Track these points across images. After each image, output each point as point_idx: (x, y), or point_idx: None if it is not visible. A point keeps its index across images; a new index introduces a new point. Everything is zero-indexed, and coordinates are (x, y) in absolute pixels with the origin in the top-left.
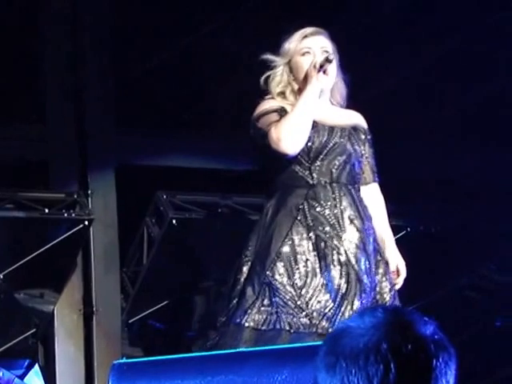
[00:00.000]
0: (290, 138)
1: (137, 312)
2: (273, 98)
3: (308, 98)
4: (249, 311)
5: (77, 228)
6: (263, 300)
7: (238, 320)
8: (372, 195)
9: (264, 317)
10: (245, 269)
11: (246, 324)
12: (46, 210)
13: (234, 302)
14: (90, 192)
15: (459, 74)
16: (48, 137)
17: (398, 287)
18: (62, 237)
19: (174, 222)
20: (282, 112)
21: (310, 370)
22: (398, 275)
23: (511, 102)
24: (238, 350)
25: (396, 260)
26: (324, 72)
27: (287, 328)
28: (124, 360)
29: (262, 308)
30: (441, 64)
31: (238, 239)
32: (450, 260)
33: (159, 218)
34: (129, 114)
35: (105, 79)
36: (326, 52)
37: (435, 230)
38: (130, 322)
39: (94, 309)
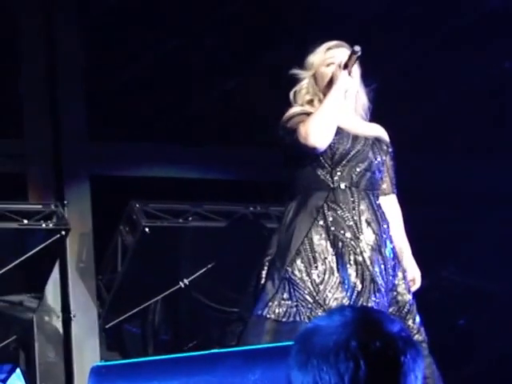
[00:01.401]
0: (318, 132)
1: (113, 317)
2: (301, 105)
3: (334, 95)
4: (269, 304)
5: (54, 238)
6: (283, 294)
7: (260, 312)
8: (390, 205)
9: (284, 309)
10: (266, 266)
11: (268, 316)
12: (25, 221)
13: (257, 296)
14: (66, 202)
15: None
16: (26, 150)
17: None
18: (40, 246)
19: (146, 229)
20: (310, 115)
21: (282, 369)
22: (414, 284)
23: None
24: (211, 351)
25: (413, 270)
26: (349, 73)
27: (306, 321)
28: (103, 363)
29: (282, 301)
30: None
31: (207, 245)
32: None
33: (132, 226)
34: (102, 125)
35: (79, 92)
36: None
37: None
38: (107, 327)
39: (72, 315)
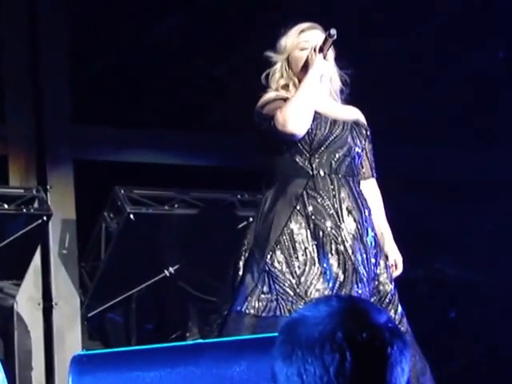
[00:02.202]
0: (296, 118)
1: (95, 306)
2: (277, 90)
3: (311, 79)
4: (249, 298)
5: (35, 223)
6: (262, 287)
7: (239, 308)
8: (370, 190)
9: (264, 304)
10: (244, 257)
11: (247, 311)
12: (6, 206)
13: (236, 289)
14: (48, 187)
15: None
16: (7, 133)
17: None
18: (21, 232)
19: (131, 216)
20: (286, 100)
21: (268, 360)
22: (396, 269)
23: None
24: (196, 341)
25: (394, 255)
26: (324, 57)
27: (287, 315)
28: (84, 352)
29: (262, 295)
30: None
31: (193, 233)
32: (405, 254)
33: (117, 212)
34: (87, 109)
35: (63, 75)
36: None
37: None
38: (89, 315)
39: (54, 303)
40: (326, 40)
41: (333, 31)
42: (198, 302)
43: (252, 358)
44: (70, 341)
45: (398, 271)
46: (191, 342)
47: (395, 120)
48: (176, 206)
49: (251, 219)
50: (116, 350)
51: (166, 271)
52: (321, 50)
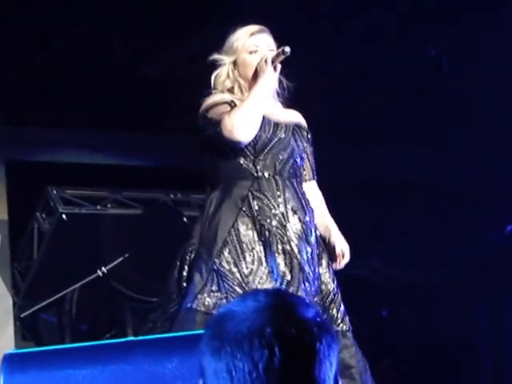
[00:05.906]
0: (244, 125)
1: (29, 306)
2: (222, 92)
3: (261, 88)
4: (199, 296)
5: None
6: (211, 286)
7: (189, 305)
8: (312, 191)
9: (214, 301)
10: (190, 257)
11: (198, 308)
12: None
13: (183, 288)
14: None
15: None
16: None
17: (339, 267)
18: None
19: (63, 216)
20: (232, 104)
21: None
22: (343, 258)
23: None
24: (127, 339)
25: (341, 244)
26: (275, 68)
27: None
28: (15, 350)
29: (212, 293)
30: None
31: (126, 233)
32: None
33: (49, 212)
34: (17, 110)
35: None
36: (272, 51)
37: None
38: (22, 316)
39: None
40: (278, 54)
41: (287, 49)
42: (133, 302)
43: (183, 354)
44: (3, 341)
45: (345, 260)
46: (122, 340)
47: (329, 120)
48: (109, 205)
49: (184, 219)
50: (48, 348)
51: (98, 271)
52: (272, 61)
